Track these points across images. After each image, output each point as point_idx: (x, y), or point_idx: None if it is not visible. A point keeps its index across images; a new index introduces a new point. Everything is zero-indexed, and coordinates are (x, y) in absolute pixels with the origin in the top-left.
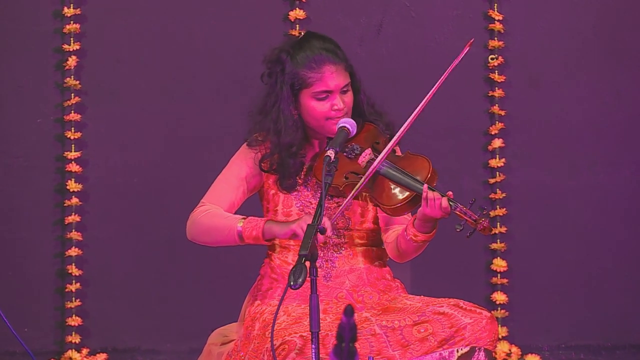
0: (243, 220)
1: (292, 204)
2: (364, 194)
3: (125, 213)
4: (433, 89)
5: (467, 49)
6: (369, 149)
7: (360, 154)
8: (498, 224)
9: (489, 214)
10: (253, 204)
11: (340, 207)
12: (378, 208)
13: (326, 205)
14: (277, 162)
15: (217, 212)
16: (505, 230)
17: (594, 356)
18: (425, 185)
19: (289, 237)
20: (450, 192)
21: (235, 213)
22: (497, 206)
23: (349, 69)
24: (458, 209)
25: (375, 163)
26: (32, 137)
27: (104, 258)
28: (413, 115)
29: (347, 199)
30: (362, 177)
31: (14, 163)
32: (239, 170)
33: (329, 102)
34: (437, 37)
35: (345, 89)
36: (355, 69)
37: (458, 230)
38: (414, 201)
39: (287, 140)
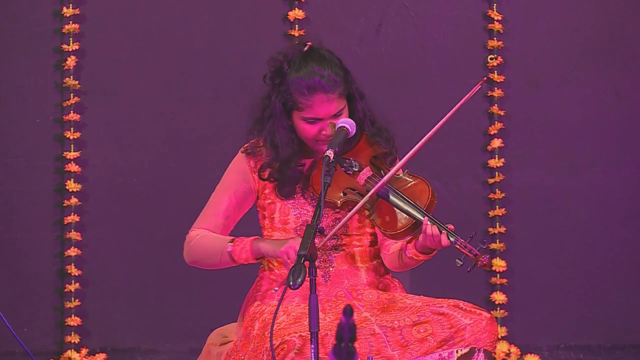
0: (232, 242)
1: (289, 212)
2: (365, 212)
3: (125, 213)
4: (440, 123)
5: (479, 87)
6: (368, 167)
7: (359, 172)
8: (497, 224)
9: (489, 248)
10: (252, 210)
11: (334, 229)
12: (377, 228)
13: (323, 212)
14: (277, 171)
15: (208, 237)
16: (505, 230)
17: (594, 356)
18: (426, 218)
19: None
20: (451, 225)
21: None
22: (497, 206)
23: (346, 93)
24: (458, 243)
25: (374, 189)
26: (32, 137)
27: (104, 258)
28: (417, 146)
29: (343, 220)
30: (359, 195)
31: (14, 163)
32: (232, 190)
33: (318, 127)
34: (437, 37)
35: (337, 114)
36: (354, 70)
37: (459, 265)
38: (414, 228)
39: (285, 156)
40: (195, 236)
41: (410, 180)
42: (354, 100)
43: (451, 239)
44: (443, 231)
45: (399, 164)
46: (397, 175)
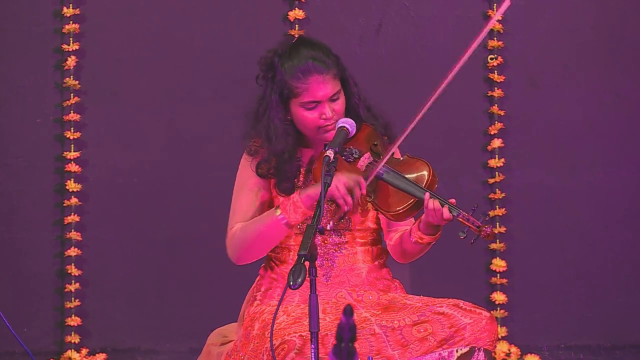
0: (277, 209)
1: None
2: (367, 197)
3: (125, 213)
4: (444, 82)
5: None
6: (368, 152)
7: (359, 158)
8: (497, 223)
9: (491, 220)
10: None
11: (370, 177)
12: (379, 212)
13: (325, 207)
14: (274, 167)
15: (248, 223)
16: (505, 230)
17: (594, 356)
18: (427, 194)
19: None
20: (452, 200)
21: None
22: (497, 206)
23: (340, 76)
24: (461, 216)
25: (376, 169)
26: (32, 137)
27: (104, 258)
28: (416, 118)
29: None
30: None
31: (14, 163)
32: (251, 182)
33: (317, 111)
34: (437, 37)
35: (334, 97)
36: (354, 70)
37: (462, 237)
38: (416, 207)
39: (278, 148)
40: (236, 231)
41: (410, 161)
42: (348, 84)
43: (453, 212)
44: (445, 205)
45: (399, 138)
46: (398, 158)
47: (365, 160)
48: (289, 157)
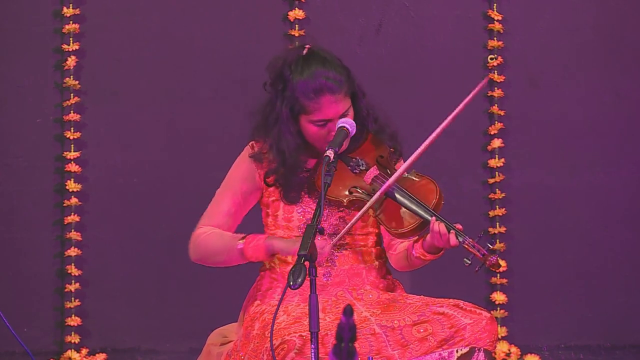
0: (243, 239)
1: (293, 210)
2: (371, 211)
3: (125, 213)
4: (444, 123)
5: (484, 84)
6: (375, 166)
7: (366, 170)
8: (497, 224)
9: (495, 250)
10: (254, 207)
11: (343, 231)
12: (383, 227)
13: (326, 211)
14: (282, 177)
15: (215, 234)
16: (505, 230)
17: (594, 356)
18: (434, 218)
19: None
20: (459, 225)
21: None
22: (497, 206)
23: (351, 91)
24: (467, 243)
25: (383, 188)
26: (32, 137)
27: (104, 258)
28: (425, 144)
29: (352, 221)
30: (366, 195)
31: (14, 163)
32: (236, 188)
33: (327, 128)
34: (437, 37)
35: (345, 114)
36: (354, 70)
37: (467, 264)
38: (421, 228)
39: (292, 161)
40: (202, 233)
41: (418, 179)
42: (357, 98)
43: (459, 238)
44: (451, 230)
45: (404, 165)
46: (404, 175)
47: (371, 173)
48: (300, 171)
